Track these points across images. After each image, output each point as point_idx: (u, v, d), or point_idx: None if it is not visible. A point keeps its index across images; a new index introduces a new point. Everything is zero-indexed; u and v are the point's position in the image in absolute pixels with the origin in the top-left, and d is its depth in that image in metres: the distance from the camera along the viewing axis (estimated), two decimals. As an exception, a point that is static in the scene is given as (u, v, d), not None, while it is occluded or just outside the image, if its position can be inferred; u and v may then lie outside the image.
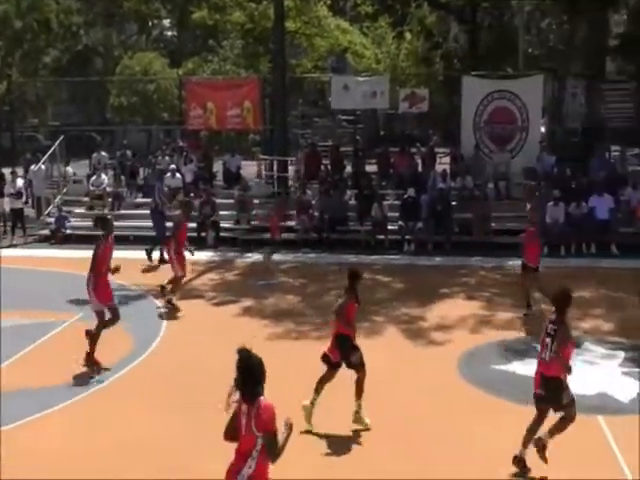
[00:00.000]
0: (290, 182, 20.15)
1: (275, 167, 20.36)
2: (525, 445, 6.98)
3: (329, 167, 19.83)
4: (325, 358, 7.90)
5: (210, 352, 9.70)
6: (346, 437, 7.66)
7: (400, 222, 17.01)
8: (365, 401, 7.94)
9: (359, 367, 7.86)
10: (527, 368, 9.42)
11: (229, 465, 4.85)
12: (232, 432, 4.86)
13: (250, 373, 4.79)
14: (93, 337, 9.55)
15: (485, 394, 8.71)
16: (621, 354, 9.91)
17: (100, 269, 9.57)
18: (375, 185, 18.89)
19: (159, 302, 12.51)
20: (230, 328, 11.19)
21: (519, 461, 6.96)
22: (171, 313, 12.02)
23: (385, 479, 6.84)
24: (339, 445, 7.49)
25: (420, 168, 19.49)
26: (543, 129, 22.23)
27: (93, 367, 9.49)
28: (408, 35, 31.03)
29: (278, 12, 20.71)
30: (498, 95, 19.31)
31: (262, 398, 4.76)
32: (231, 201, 18.71)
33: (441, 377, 9.17)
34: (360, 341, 9.64)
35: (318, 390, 7.86)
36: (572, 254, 15.72)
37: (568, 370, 6.76)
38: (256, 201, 18.86)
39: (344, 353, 7.81)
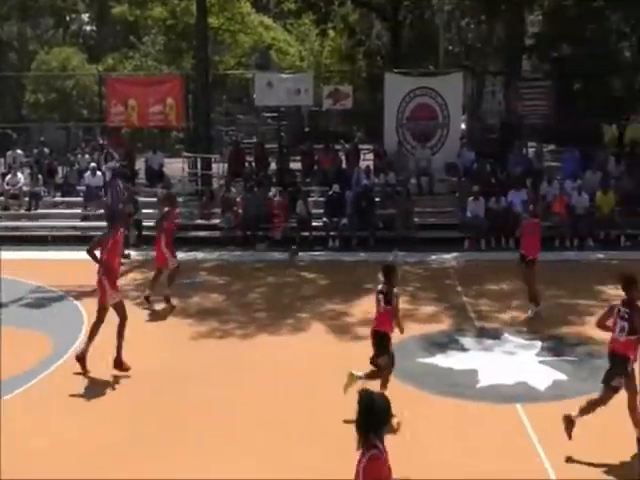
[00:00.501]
0: (214, 180, 19.98)
1: (199, 165, 20.15)
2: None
3: (253, 164, 19.76)
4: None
5: (133, 353, 9.52)
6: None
7: (324, 218, 17.09)
8: (290, 399, 7.93)
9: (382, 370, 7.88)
10: (449, 360, 9.66)
11: None
12: None
13: (368, 416, 4.24)
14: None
15: (410, 387, 8.82)
16: (538, 344, 10.21)
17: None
18: (299, 182, 18.93)
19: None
20: (154, 328, 11.01)
21: None
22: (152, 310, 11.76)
23: (310, 478, 6.85)
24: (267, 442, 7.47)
25: (344, 165, 19.63)
26: (463, 126, 22.72)
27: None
28: (331, 32, 31.21)
29: (201, 8, 20.50)
30: (420, 92, 19.60)
31: (375, 451, 4.22)
32: (154, 199, 18.40)
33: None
34: (284, 338, 9.66)
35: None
36: (492, 248, 16.12)
37: None
38: (180, 199, 18.59)
39: (377, 350, 7.87)
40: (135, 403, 8.33)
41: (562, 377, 9.07)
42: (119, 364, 9.18)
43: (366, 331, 10.76)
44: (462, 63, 28.86)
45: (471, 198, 16.67)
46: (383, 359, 7.89)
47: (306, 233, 16.98)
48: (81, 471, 6.85)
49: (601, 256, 15.29)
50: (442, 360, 9.69)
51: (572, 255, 15.00)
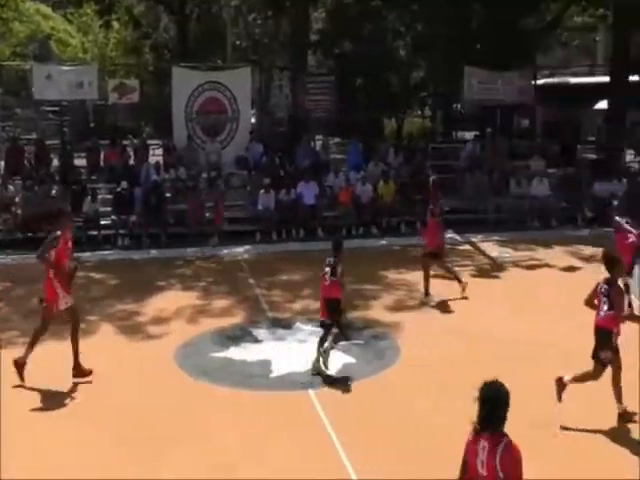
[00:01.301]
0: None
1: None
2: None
3: (33, 161, 18.60)
4: None
5: None
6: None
7: (113, 216, 16.51)
8: (85, 407, 7.55)
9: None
10: (243, 353, 9.71)
11: None
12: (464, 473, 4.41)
13: (498, 403, 4.33)
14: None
15: (204, 383, 8.76)
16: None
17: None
18: (85, 179, 18.12)
19: None
20: None
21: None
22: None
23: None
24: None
25: (132, 160, 19.07)
26: (253, 119, 22.96)
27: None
28: (116, 24, 30.15)
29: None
30: (208, 86, 19.50)
31: (508, 437, 4.29)
32: None
33: (160, 371, 9.05)
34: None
35: None
36: (283, 239, 16.46)
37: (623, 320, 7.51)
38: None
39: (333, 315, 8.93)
40: None
41: (351, 360, 9.44)
42: (79, 371, 8.75)
43: (158, 329, 10.64)
44: (250, 58, 29.11)
45: (262, 191, 16.88)
46: (344, 318, 9.12)
47: (94, 232, 16.31)
48: None
49: (384, 242, 16.15)
50: (236, 353, 9.71)
51: (357, 242, 15.67)
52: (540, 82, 25.69)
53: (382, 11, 24.90)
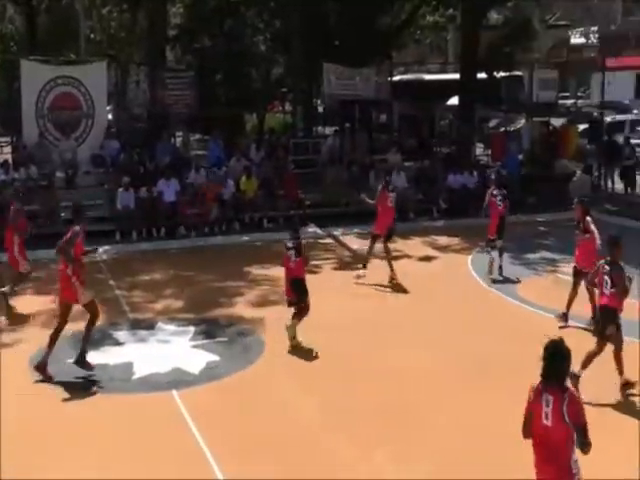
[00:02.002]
0: None
1: None
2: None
3: None
4: None
5: None
6: None
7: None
8: None
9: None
10: (104, 356, 9.41)
11: (536, 461, 4.81)
12: (529, 428, 4.86)
13: (563, 360, 4.83)
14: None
15: (61, 390, 8.43)
16: (191, 329, 10.43)
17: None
18: None
19: None
20: None
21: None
22: None
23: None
24: None
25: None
26: (110, 116, 22.25)
27: None
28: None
29: None
30: (62, 81, 18.67)
31: (571, 388, 4.86)
32: None
33: (15, 382, 8.60)
34: None
35: None
36: (144, 238, 16.06)
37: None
38: None
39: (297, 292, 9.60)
40: None
41: (215, 358, 9.38)
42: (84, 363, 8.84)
43: (11, 337, 10.11)
44: (106, 52, 28.18)
45: (121, 189, 16.40)
46: (305, 299, 9.51)
47: None
48: None
49: (247, 238, 16.13)
50: (96, 357, 9.39)
51: (220, 239, 15.56)
52: (396, 78, 26.54)
53: (241, 7, 24.83)
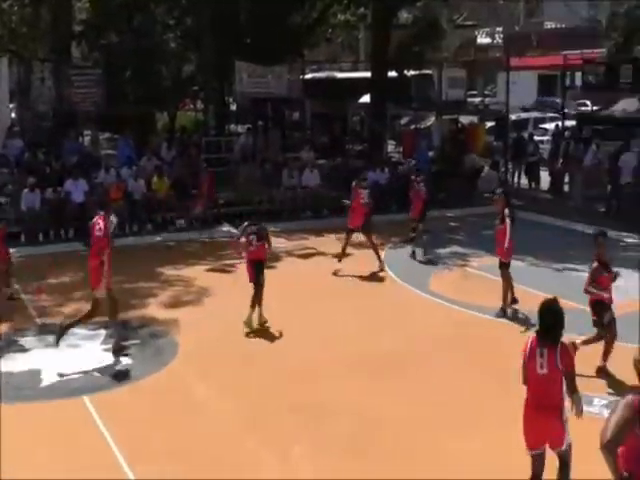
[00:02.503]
0: None
1: None
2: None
3: None
4: None
5: None
6: None
7: None
8: None
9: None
10: (9, 364, 9.07)
11: (527, 409, 5.53)
12: (525, 376, 5.62)
13: (556, 317, 5.53)
14: None
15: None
16: (103, 332, 10.17)
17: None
18: None
19: None
20: None
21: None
22: None
23: None
24: None
25: None
26: (14, 114, 21.47)
27: None
28: None
29: None
30: (-41, 78, 17.90)
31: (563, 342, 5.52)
32: None
33: None
34: None
35: None
36: (51, 240, 15.57)
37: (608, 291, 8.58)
38: None
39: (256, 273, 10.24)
40: None
41: (128, 361, 9.21)
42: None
43: None
44: (7, 47, 27.08)
45: (26, 190, 15.83)
46: (261, 278, 10.23)
47: None
48: None
49: (159, 239, 15.86)
50: (1, 365, 9.06)
51: (131, 240, 15.24)
52: (308, 77, 26.67)
53: (150, 3, 24.33)
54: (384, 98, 21.73)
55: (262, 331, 10.09)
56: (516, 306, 10.71)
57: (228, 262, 13.52)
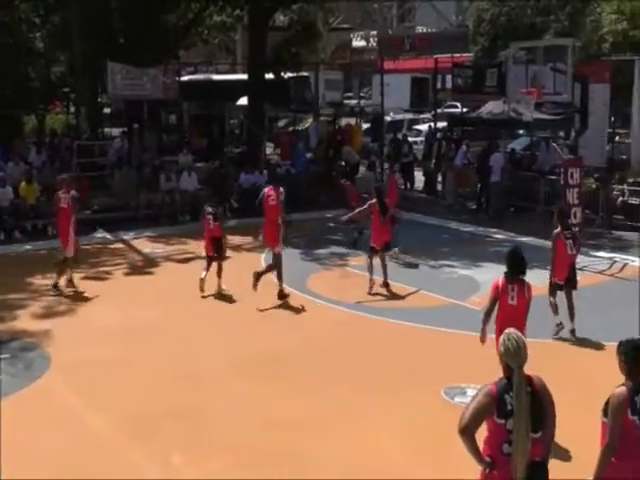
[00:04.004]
0: None
1: None
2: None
3: None
4: None
5: None
6: None
7: None
8: None
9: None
10: None
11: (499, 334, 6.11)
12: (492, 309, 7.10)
13: (522, 262, 7.04)
14: None
15: None
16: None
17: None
18: None
19: None
20: None
21: None
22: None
23: None
24: None
25: None
26: None
27: None
28: None
29: None
30: None
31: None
32: None
33: None
34: None
35: None
36: None
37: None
38: None
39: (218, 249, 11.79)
40: None
41: (-5, 377, 8.76)
42: None
43: None
44: None
45: None
46: (221, 253, 11.77)
47: None
48: None
49: (29, 247, 15.16)
50: None
51: None
52: (185, 78, 26.27)
53: (14, 1, 23.26)
54: (262, 100, 21.73)
55: (139, 337, 9.85)
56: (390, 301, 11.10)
57: (103, 269, 13.12)
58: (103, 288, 12.12)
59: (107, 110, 26.20)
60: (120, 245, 15.32)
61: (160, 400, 8.05)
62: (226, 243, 12.11)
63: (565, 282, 9.75)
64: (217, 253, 11.76)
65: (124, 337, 9.84)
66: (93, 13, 20.62)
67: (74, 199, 11.95)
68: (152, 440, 7.20)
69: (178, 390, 8.27)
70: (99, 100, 22.93)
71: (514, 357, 4.38)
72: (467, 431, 4.30)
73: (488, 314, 7.14)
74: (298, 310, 11.14)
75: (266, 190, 11.63)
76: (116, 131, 22.80)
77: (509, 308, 6.96)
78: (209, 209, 11.88)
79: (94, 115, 21.76)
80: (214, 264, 11.78)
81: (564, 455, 6.41)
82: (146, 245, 15.13)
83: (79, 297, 11.69)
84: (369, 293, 11.58)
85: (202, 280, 11.57)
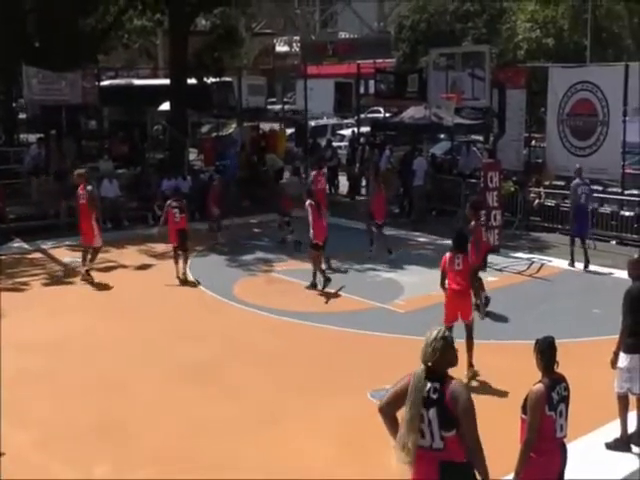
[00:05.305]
0: None
1: None
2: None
3: None
4: None
5: None
6: None
7: None
8: None
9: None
10: None
11: (450, 292, 8.51)
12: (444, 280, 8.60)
13: (464, 238, 8.95)
14: None
15: None
16: None
17: None
18: None
19: None
20: None
21: None
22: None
23: None
24: None
25: None
26: None
27: None
28: None
29: None
30: None
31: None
32: None
33: None
34: None
35: None
36: None
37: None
38: None
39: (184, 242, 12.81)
40: None
41: None
42: None
43: None
44: None
45: None
46: (186, 244, 12.80)
47: None
48: None
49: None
50: None
51: None
52: (105, 83, 25.75)
53: None
54: (184, 105, 21.46)
55: (59, 349, 9.56)
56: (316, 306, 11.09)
57: (20, 280, 12.71)
58: (21, 299, 11.73)
59: (23, 115, 25.42)
60: (38, 255, 14.85)
61: (81, 413, 7.83)
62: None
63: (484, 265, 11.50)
64: (182, 243, 12.71)
65: (45, 350, 9.53)
66: (6, 15, 20.00)
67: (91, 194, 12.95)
68: (74, 456, 6.99)
69: (103, 401, 8.07)
70: (14, 105, 22.23)
71: (421, 352, 4.46)
72: (381, 409, 4.54)
73: (442, 284, 8.59)
74: (225, 317, 11.04)
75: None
76: (32, 137, 22.14)
77: (456, 272, 8.54)
78: (174, 203, 12.66)
79: (9, 120, 21.10)
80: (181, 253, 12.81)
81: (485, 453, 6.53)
82: (66, 254, 14.71)
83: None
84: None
85: (178, 271, 12.70)
